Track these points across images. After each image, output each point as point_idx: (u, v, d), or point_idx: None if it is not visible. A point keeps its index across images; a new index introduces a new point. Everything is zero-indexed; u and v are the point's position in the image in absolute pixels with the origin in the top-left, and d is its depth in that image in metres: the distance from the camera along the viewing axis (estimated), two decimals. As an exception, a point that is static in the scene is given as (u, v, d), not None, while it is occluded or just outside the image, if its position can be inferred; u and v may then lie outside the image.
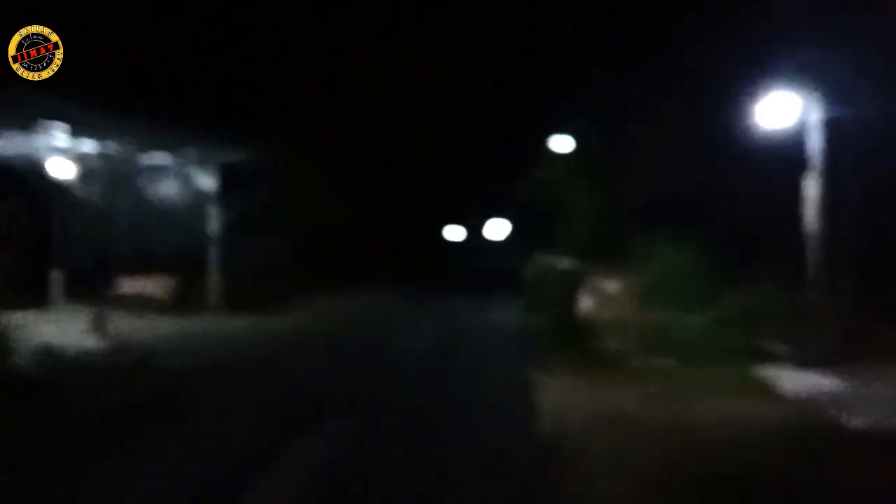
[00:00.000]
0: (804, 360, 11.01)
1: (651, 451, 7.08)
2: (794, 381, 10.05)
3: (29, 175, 19.65)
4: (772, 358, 11.54)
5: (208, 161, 20.61)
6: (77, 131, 15.45)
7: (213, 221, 20.89)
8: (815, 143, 10.94)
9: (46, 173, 19.77)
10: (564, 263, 18.14)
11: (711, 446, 7.22)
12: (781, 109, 11.03)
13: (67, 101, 14.13)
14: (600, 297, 12.31)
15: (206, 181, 20.75)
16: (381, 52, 39.77)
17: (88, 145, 16.56)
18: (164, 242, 20.94)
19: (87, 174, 17.98)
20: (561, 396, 9.52)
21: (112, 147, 16.72)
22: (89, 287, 16.21)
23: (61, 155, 18.39)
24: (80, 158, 18.87)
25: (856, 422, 7.79)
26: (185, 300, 19.85)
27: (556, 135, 29.82)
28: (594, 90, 24.85)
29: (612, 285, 12.33)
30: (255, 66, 30.48)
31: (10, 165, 19.11)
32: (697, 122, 18.49)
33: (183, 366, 12.08)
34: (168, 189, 21.59)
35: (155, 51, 27.65)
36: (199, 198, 21.19)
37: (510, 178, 34.17)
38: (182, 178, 21.44)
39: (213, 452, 7.19)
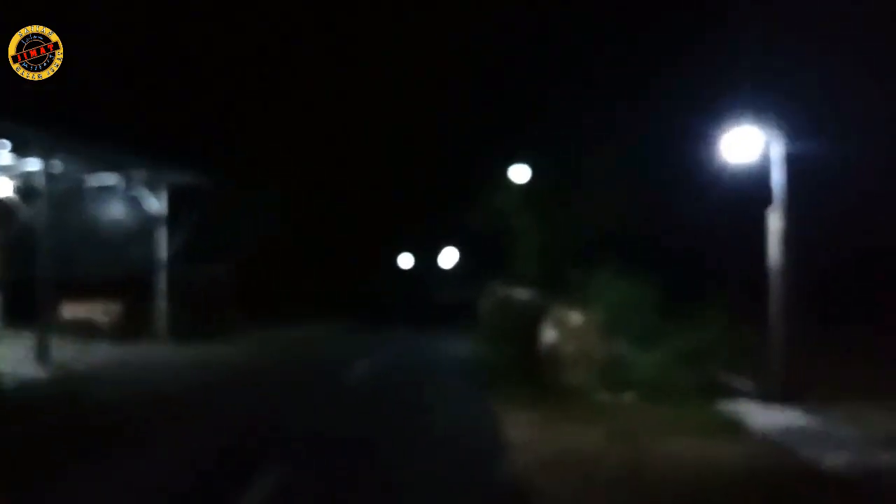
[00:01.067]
0: (766, 396, 11.06)
1: (616, 491, 6.85)
2: (758, 416, 10.04)
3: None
4: (733, 393, 11.58)
5: (156, 183, 20.02)
6: (20, 149, 14.74)
7: (160, 246, 20.24)
8: (777, 178, 11.12)
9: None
10: (525, 294, 18.04)
11: (680, 485, 7.07)
12: (744, 144, 11.22)
13: (12, 117, 13.56)
14: (561, 329, 12.18)
15: (154, 204, 20.13)
16: (338, 78, 39.86)
17: (31, 164, 15.85)
18: (109, 266, 20.21)
19: (29, 194, 17.21)
20: (521, 433, 9.28)
21: (57, 166, 16.04)
22: (30, 311, 15.43)
23: (1, 173, 17.64)
24: (22, 177, 18.11)
25: (827, 459, 7.69)
26: (129, 327, 19.12)
27: (511, 165, 30.09)
28: (550, 122, 25.16)
29: (573, 318, 12.22)
30: (209, 87, 30.06)
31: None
32: (653, 157, 18.85)
33: (122, 396, 11.54)
34: (114, 211, 20.88)
35: (104, 69, 27.06)
36: (146, 221, 20.54)
37: (462, 207, 34.21)
38: (129, 201, 20.77)
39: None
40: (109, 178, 19.82)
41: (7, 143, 14.30)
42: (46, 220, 14.66)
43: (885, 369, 12.73)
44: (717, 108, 12.90)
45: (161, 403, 11.22)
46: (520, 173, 28.89)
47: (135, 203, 20.75)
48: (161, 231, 20.25)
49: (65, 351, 15.79)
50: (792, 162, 10.92)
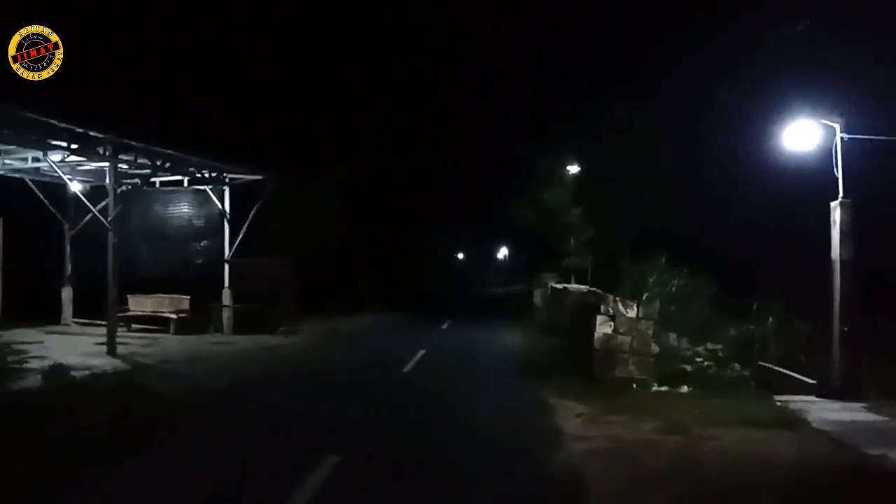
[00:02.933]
0: (826, 391, 10.86)
1: (670, 483, 6.81)
2: (818, 411, 9.88)
3: (41, 191, 19.76)
4: (790, 387, 11.39)
5: (219, 180, 20.63)
6: (87, 148, 15.41)
7: (224, 241, 20.87)
8: (839, 168, 10.89)
9: (66, 190, 19.91)
10: (577, 287, 18.02)
11: (735, 479, 6.97)
12: (806, 135, 11.02)
13: (79, 118, 14.15)
14: (615, 322, 12.17)
15: (217, 201, 20.75)
16: (386, 80, 40.28)
17: (101, 163, 16.55)
18: (175, 262, 20.96)
19: (98, 191, 17.98)
20: (575, 424, 9.34)
21: (122, 166, 16.71)
22: (99, 305, 16.14)
23: (74, 172, 18.46)
24: (91, 174, 18.92)
25: (892, 457, 7.53)
26: (194, 320, 19.79)
27: (563, 160, 30.03)
28: (602, 118, 24.99)
29: (627, 310, 12.19)
30: (266, 91, 30.76)
31: (19, 180, 19.21)
32: (707, 150, 18.57)
33: (186, 387, 11.99)
34: (180, 208, 21.62)
35: (167, 71, 27.97)
36: (210, 217, 21.21)
37: (515, 200, 34.30)
38: (194, 198, 21.48)
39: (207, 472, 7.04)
40: (175, 176, 20.53)
41: (78, 143, 14.90)
42: (114, 216, 15.27)
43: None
44: (776, 98, 12.70)
45: (217, 394, 11.61)
46: (572, 168, 28.86)
47: (199, 200, 21.43)
48: (224, 227, 20.85)
49: (133, 344, 16.45)
50: (857, 153, 10.68)
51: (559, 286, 22.28)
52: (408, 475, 7.19)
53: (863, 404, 10.31)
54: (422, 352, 16.58)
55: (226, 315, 20.36)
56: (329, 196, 29.00)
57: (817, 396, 10.89)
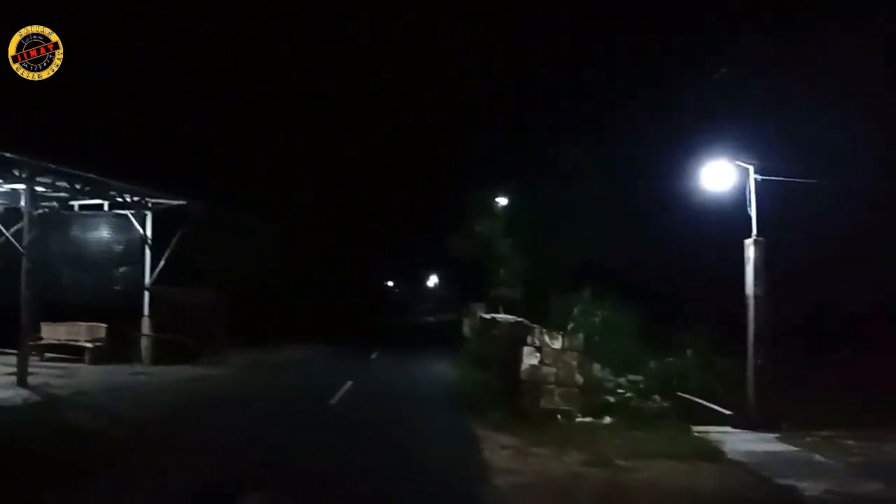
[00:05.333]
0: (744, 423, 11.22)
1: None
2: (735, 443, 10.18)
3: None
4: (711, 419, 11.73)
5: (141, 206, 20.03)
6: (5, 171, 14.78)
7: (145, 269, 20.22)
8: (754, 209, 11.39)
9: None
10: (507, 318, 18.17)
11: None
12: (722, 177, 11.52)
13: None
14: (541, 354, 12.32)
15: (139, 227, 20.13)
16: (327, 109, 40.29)
17: (17, 185, 15.88)
18: (93, 289, 20.14)
19: (12, 215, 17.18)
20: (500, 457, 9.36)
21: (39, 188, 16.07)
22: (12, 333, 15.33)
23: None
24: (7, 197, 18.11)
25: (804, 487, 7.82)
26: (112, 349, 19.04)
27: (494, 194, 30.49)
28: (533, 153, 25.53)
29: (553, 342, 12.37)
30: (193, 113, 30.21)
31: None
32: (632, 189, 19.19)
33: (100, 421, 11.44)
34: (99, 234, 20.86)
35: (93, 88, 27.13)
36: (131, 244, 20.53)
37: (447, 232, 34.56)
38: (114, 223, 20.76)
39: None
40: (95, 200, 19.82)
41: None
42: (29, 241, 14.64)
43: (865, 398, 12.92)
44: (695, 142, 13.23)
45: (137, 429, 11.16)
46: (499, 202, 29.32)
47: (120, 225, 20.74)
48: (146, 253, 20.22)
49: (45, 374, 15.71)
50: (769, 194, 11.22)
51: (488, 317, 22.42)
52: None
53: (775, 435, 10.72)
54: (349, 383, 16.36)
55: (144, 344, 19.65)
56: (261, 226, 28.56)
57: (733, 427, 11.25)
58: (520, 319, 17.08)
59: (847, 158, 13.46)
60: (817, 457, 9.47)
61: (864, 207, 14.34)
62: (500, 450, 9.80)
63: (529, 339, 12.49)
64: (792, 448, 10.04)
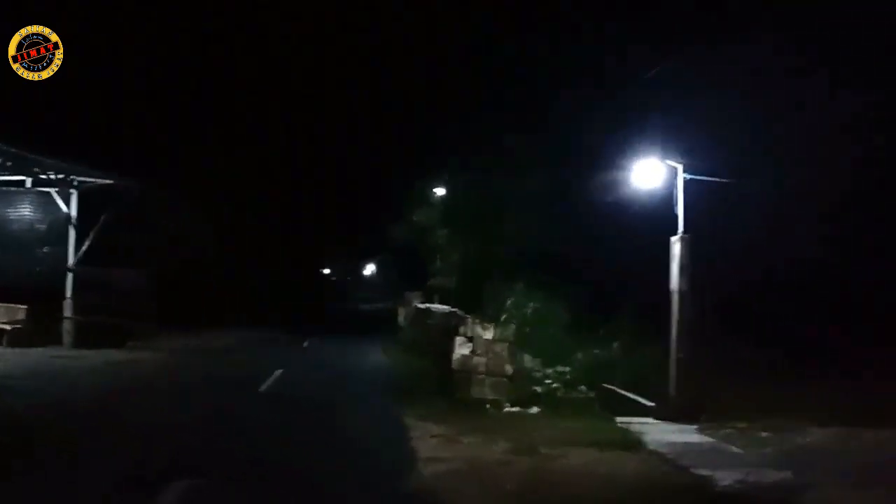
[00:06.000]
0: (666, 413, 11.59)
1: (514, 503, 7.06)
2: (656, 433, 10.50)
3: None
4: (635, 410, 12.07)
5: (66, 183, 19.32)
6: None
7: (69, 249, 19.54)
8: (680, 205, 11.73)
9: None
10: (441, 307, 18.30)
11: (575, 499, 7.34)
12: (651, 174, 11.83)
13: None
14: (473, 343, 12.47)
15: (64, 206, 19.42)
16: (269, 90, 39.55)
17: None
18: (13, 269, 19.35)
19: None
20: (428, 445, 9.43)
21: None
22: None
23: None
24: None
25: (718, 476, 8.07)
26: (33, 332, 18.34)
27: (432, 183, 30.55)
28: (472, 144, 25.66)
29: (484, 332, 12.53)
30: (134, 88, 29.25)
31: None
32: (568, 182, 19.51)
33: (18, 406, 11.02)
34: (20, 212, 20.04)
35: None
36: (55, 223, 19.80)
37: (387, 220, 34.51)
38: (37, 201, 19.98)
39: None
40: (17, 176, 19.04)
41: None
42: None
43: (783, 389, 13.50)
44: (630, 140, 13.53)
45: (56, 414, 10.79)
46: (438, 191, 29.44)
47: (44, 203, 19.98)
48: (70, 233, 19.52)
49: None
50: (695, 191, 11.58)
51: (423, 306, 22.52)
52: (253, 501, 6.99)
53: (695, 426, 11.09)
54: (280, 371, 16.19)
55: (67, 328, 19.02)
56: (194, 208, 27.92)
57: (655, 418, 11.61)
58: (453, 309, 17.25)
59: (771, 158, 14.00)
60: (732, 447, 9.84)
61: (787, 205, 14.96)
62: (428, 438, 9.87)
63: (462, 330, 12.63)
64: (709, 439, 10.41)
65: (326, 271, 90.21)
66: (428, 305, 21.77)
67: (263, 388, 14.13)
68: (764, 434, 10.56)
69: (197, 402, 12.46)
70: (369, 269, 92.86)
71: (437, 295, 27.70)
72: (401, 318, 29.18)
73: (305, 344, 24.60)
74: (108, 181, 19.58)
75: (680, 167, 11.71)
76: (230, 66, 37.38)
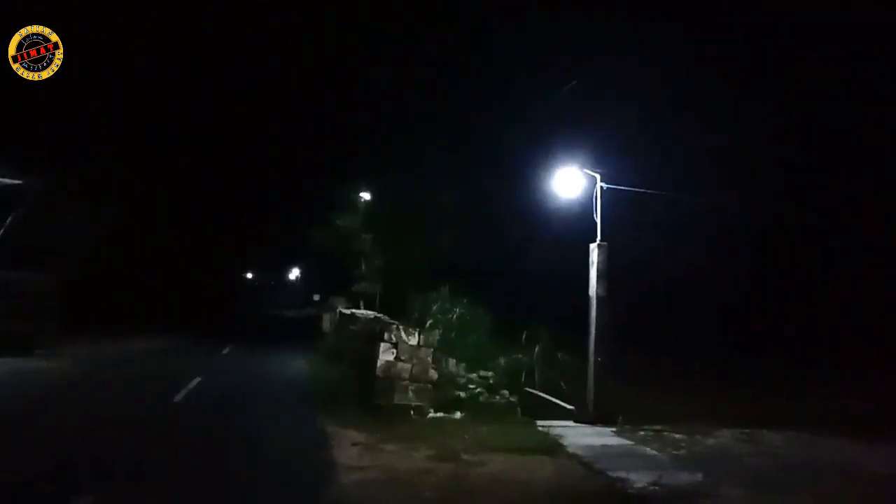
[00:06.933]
0: (583, 418, 11.83)
1: None
2: (574, 437, 10.72)
3: None
4: (555, 414, 12.28)
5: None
6: None
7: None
8: (598, 214, 12.03)
9: None
10: (365, 314, 18.17)
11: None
12: (570, 184, 12.09)
13: None
14: (397, 349, 12.41)
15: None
16: (194, 89, 38.45)
17: None
18: None
19: None
20: (350, 454, 9.35)
21: None
22: None
23: None
24: None
25: (633, 479, 8.35)
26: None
27: (356, 189, 30.39)
28: (396, 150, 25.71)
29: (408, 338, 12.48)
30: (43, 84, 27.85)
31: None
32: (491, 192, 19.79)
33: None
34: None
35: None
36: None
37: (311, 224, 34.02)
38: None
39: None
40: None
41: None
42: None
43: (696, 395, 14.05)
44: (549, 150, 13.82)
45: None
46: (362, 197, 29.30)
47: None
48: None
49: None
50: (612, 201, 11.91)
51: (348, 312, 22.32)
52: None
53: (612, 429, 11.39)
54: (197, 379, 15.72)
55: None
56: (106, 209, 26.87)
57: (575, 422, 11.84)
58: (378, 315, 17.15)
59: (684, 170, 14.55)
60: (648, 450, 10.14)
61: (695, 216, 15.58)
62: (349, 446, 9.77)
63: (386, 335, 12.53)
64: (626, 442, 10.69)
65: (249, 276, 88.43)
66: (353, 311, 21.60)
67: (178, 398, 13.67)
68: (677, 436, 10.94)
69: (106, 414, 11.91)
70: (294, 274, 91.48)
71: (363, 300, 27.53)
72: (325, 324, 28.83)
73: (225, 351, 23.97)
74: (15, 181, 18.63)
75: (598, 176, 12.01)
76: (166, 66, 36.28)
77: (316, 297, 50.42)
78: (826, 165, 17.14)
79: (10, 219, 18.58)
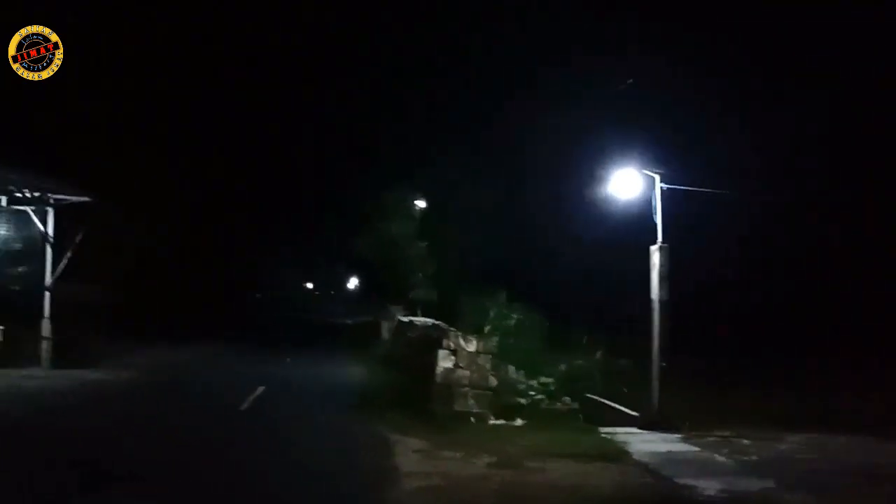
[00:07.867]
0: (647, 423, 11.58)
1: None
2: (638, 443, 10.51)
3: None
4: (617, 420, 12.07)
5: (42, 203, 19.03)
6: None
7: (45, 267, 19.23)
8: (658, 215, 11.78)
9: None
10: (421, 321, 18.19)
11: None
12: (629, 185, 11.88)
13: None
14: (455, 357, 12.38)
15: (39, 224, 19.11)
16: (238, 105, 39.27)
17: None
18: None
19: None
20: (410, 460, 9.37)
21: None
22: None
23: None
24: None
25: (700, 486, 8.14)
26: (8, 351, 18.00)
27: (406, 196, 30.48)
28: (447, 157, 25.74)
29: (466, 345, 12.45)
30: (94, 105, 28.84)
31: None
32: (544, 195, 19.63)
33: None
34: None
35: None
36: (31, 241, 19.50)
37: (358, 234, 34.25)
38: (12, 219, 19.68)
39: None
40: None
41: None
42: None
43: (760, 398, 13.63)
44: (608, 152, 13.59)
45: (27, 432, 10.64)
46: (420, 202, 29.36)
47: (19, 221, 19.69)
48: (47, 251, 19.22)
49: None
50: (674, 202, 11.65)
51: (406, 319, 22.38)
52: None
53: (678, 435, 11.12)
54: (261, 388, 15.98)
55: (45, 347, 18.69)
56: (164, 223, 27.65)
57: (639, 428, 11.60)
58: (436, 322, 17.13)
59: (747, 170, 14.15)
60: (716, 456, 9.87)
61: (760, 216, 15.13)
62: (410, 453, 9.81)
63: (445, 342, 12.52)
64: (693, 448, 10.43)
65: (309, 286, 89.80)
66: (411, 318, 21.65)
67: (244, 406, 13.92)
68: (745, 442, 10.64)
69: (175, 424, 12.17)
70: (352, 283, 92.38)
71: (420, 307, 27.58)
72: (384, 332, 28.98)
73: (287, 359, 24.33)
74: (84, 199, 19.31)
75: (657, 177, 11.77)
76: (201, 75, 37.15)
77: (373, 305, 50.76)
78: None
79: (80, 236, 19.23)
